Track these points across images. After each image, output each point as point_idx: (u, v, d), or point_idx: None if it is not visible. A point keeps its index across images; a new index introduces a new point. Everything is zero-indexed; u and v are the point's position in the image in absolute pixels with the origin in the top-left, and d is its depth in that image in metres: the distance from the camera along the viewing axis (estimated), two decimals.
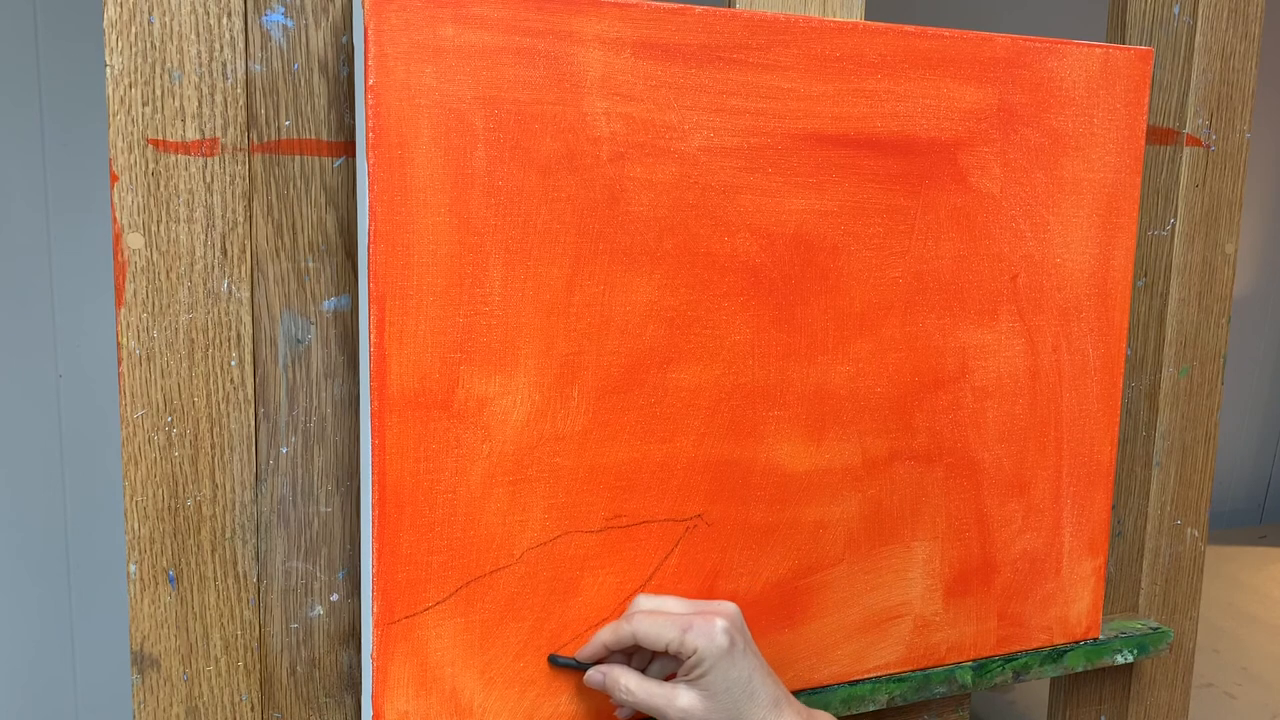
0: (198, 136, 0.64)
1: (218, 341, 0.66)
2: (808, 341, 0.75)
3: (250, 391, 0.67)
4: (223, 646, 0.68)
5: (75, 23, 1.27)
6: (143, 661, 0.67)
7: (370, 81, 0.62)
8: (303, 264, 0.68)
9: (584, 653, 0.71)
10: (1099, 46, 0.81)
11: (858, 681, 0.82)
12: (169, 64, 0.63)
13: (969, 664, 0.85)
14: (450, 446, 0.66)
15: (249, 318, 0.66)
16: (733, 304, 0.72)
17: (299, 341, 0.68)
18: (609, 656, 0.70)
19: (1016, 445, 0.84)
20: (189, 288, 0.65)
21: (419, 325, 0.64)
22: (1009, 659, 0.87)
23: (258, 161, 0.66)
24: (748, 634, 0.68)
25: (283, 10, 0.65)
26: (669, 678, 0.69)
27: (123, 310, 0.63)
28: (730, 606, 0.68)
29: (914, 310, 0.78)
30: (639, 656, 0.71)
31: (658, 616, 0.68)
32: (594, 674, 0.70)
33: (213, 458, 0.67)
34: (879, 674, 0.83)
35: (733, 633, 0.66)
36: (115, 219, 0.63)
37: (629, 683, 0.67)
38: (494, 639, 0.69)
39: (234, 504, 0.68)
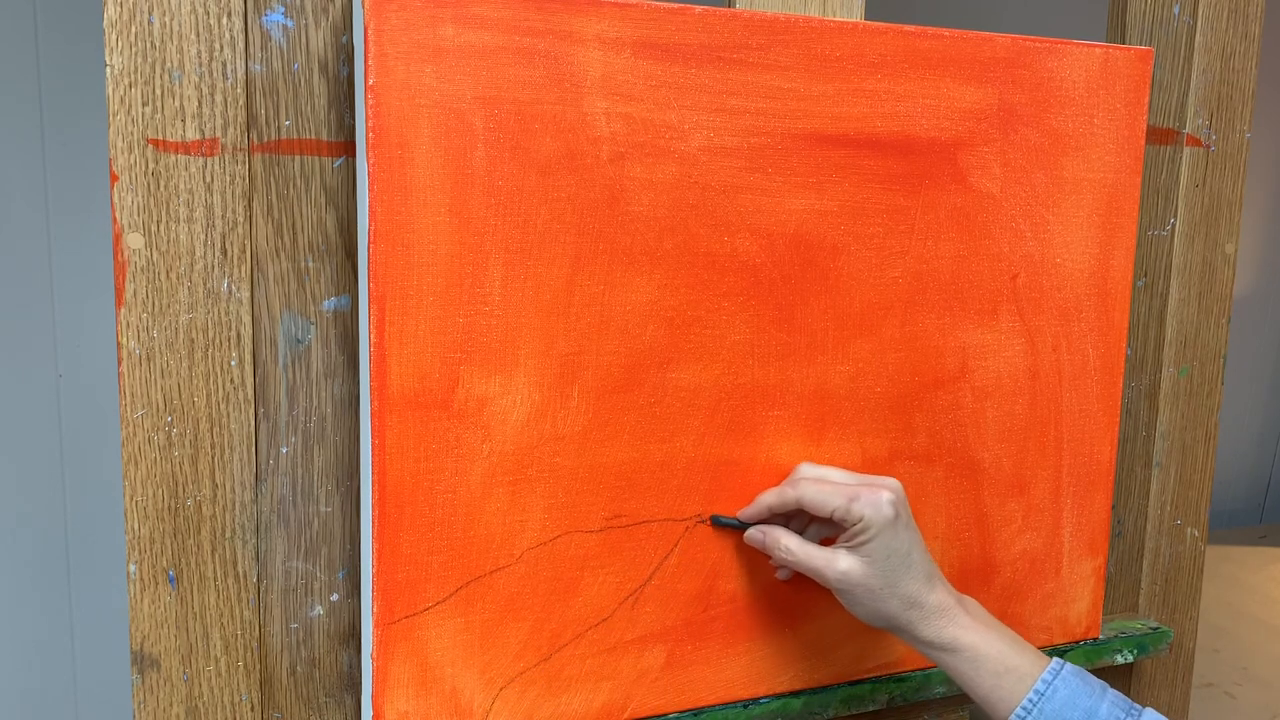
0: (198, 136, 0.64)
1: (218, 341, 0.66)
2: (808, 341, 0.75)
3: (250, 391, 0.67)
4: (223, 646, 0.68)
5: (75, 23, 1.27)
6: (143, 661, 0.67)
7: (370, 81, 0.62)
8: (303, 264, 0.68)
9: (746, 513, 0.74)
10: (1099, 46, 0.81)
11: (858, 681, 0.82)
12: (169, 64, 0.63)
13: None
14: (450, 446, 0.66)
15: (249, 318, 0.66)
16: (733, 304, 0.72)
17: (299, 341, 0.68)
18: (769, 518, 0.73)
19: (1016, 445, 0.84)
20: (189, 288, 0.65)
21: (419, 325, 0.64)
22: None
23: (258, 161, 0.66)
24: (909, 510, 0.70)
25: (283, 10, 0.65)
26: (824, 543, 0.71)
27: (123, 310, 0.63)
28: (894, 482, 0.70)
29: (914, 310, 0.78)
30: (796, 521, 0.74)
31: (824, 484, 0.71)
32: (754, 533, 0.73)
33: (213, 458, 0.67)
34: (879, 674, 0.83)
35: (898, 505, 0.69)
36: (115, 219, 0.63)
37: (789, 543, 0.71)
38: (494, 639, 0.69)
39: (234, 504, 0.68)
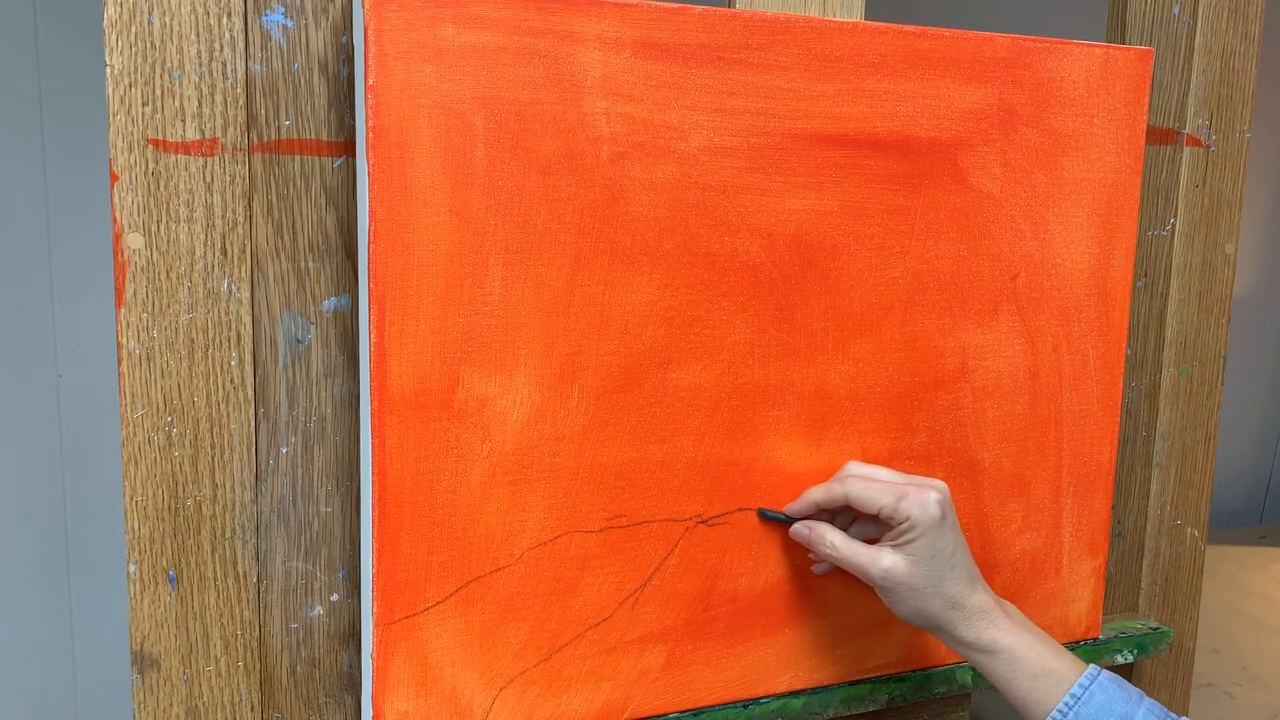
0: (198, 136, 0.64)
1: (218, 341, 0.66)
2: (808, 341, 0.75)
3: (250, 391, 0.67)
4: (223, 646, 0.68)
5: (75, 23, 1.27)
6: (143, 661, 0.67)
7: (370, 81, 0.62)
8: (303, 264, 0.68)
9: (793, 508, 0.75)
10: (1099, 46, 0.81)
11: (858, 681, 0.82)
12: (169, 64, 0.63)
13: (969, 664, 0.85)
14: (450, 446, 0.66)
15: (249, 318, 0.66)
16: (733, 304, 0.72)
17: (299, 341, 0.68)
18: (815, 514, 0.74)
19: (1016, 445, 0.84)
20: (189, 288, 0.65)
21: (419, 325, 0.64)
22: None
23: (258, 161, 0.66)
24: (955, 511, 0.71)
25: (283, 10, 0.65)
26: (867, 541, 0.72)
27: (123, 310, 0.63)
28: (941, 483, 0.71)
29: (914, 310, 0.78)
30: (840, 519, 0.74)
31: (872, 482, 0.71)
32: (800, 528, 0.74)
33: (213, 458, 0.67)
34: (879, 674, 0.83)
35: (944, 506, 0.69)
36: (115, 219, 0.63)
37: (834, 539, 0.71)
38: (494, 639, 0.69)
39: (234, 504, 0.68)
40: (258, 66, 0.65)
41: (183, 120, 0.63)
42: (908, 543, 0.69)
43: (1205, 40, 0.92)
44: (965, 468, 0.82)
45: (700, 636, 0.75)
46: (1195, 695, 1.28)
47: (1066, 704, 0.66)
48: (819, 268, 0.75)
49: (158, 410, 0.65)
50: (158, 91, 0.63)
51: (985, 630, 0.69)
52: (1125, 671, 0.99)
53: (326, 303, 0.69)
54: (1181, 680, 1.03)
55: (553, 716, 0.72)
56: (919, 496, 0.68)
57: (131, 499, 0.65)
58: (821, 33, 0.72)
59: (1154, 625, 0.96)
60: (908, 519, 0.68)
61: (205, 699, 0.68)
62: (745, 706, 0.77)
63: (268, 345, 0.68)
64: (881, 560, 0.69)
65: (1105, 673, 0.68)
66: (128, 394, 0.64)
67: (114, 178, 0.62)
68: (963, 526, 0.82)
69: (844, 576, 0.79)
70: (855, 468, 0.74)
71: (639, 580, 0.73)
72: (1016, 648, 0.68)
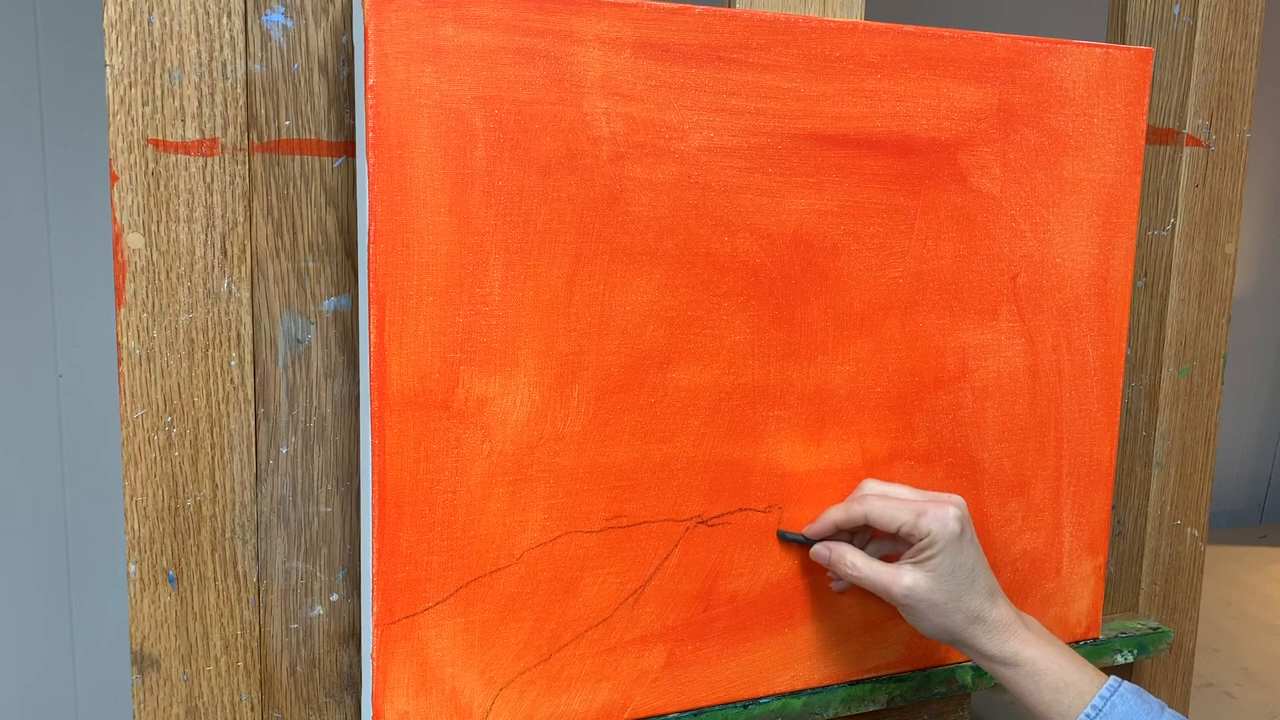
0: (198, 136, 0.64)
1: (218, 341, 0.66)
2: (808, 341, 0.75)
3: (250, 391, 0.67)
4: (223, 646, 0.68)
5: (75, 23, 1.27)
6: (143, 661, 0.67)
7: (370, 81, 0.62)
8: (303, 264, 0.68)
9: (812, 530, 0.75)
10: (1099, 46, 0.81)
11: (858, 681, 0.82)
12: (169, 64, 0.63)
13: (969, 664, 0.85)
14: (450, 446, 0.66)
15: (249, 318, 0.66)
16: (733, 304, 0.72)
17: (299, 341, 0.68)
18: (834, 535, 0.74)
19: (1016, 445, 0.84)
20: (189, 288, 0.65)
21: (419, 325, 0.64)
22: None
23: (258, 161, 0.66)
24: (973, 526, 0.71)
25: (283, 10, 0.65)
26: (885, 559, 0.72)
27: (123, 310, 0.63)
28: (958, 498, 0.71)
29: (914, 310, 0.78)
30: (858, 538, 0.75)
31: (890, 500, 0.71)
32: (820, 549, 0.74)
33: (213, 458, 0.67)
34: (879, 674, 0.83)
35: (963, 521, 0.70)
36: (115, 219, 0.63)
37: (855, 559, 0.71)
38: (494, 639, 0.69)
39: (234, 504, 0.68)
40: (258, 66, 0.65)
41: (183, 120, 0.63)
42: (928, 559, 0.69)
43: (1205, 40, 0.92)
44: (965, 468, 0.82)
45: (700, 636, 0.75)
46: (1195, 695, 1.28)
47: (1087, 715, 0.66)
48: (819, 268, 0.75)
49: (158, 410, 0.65)
50: (158, 91, 0.63)
51: (1007, 643, 0.69)
52: (1125, 671, 0.99)
53: (326, 303, 0.69)
54: (1181, 680, 1.03)
55: (553, 716, 0.72)
56: (938, 512, 0.69)
57: (131, 499, 0.65)
58: (821, 33, 0.72)
59: (1154, 625, 0.96)
60: (928, 535, 0.69)
61: (205, 699, 0.68)
62: (745, 706, 0.77)
63: (268, 345, 0.68)
64: (903, 578, 0.69)
65: (1126, 684, 0.68)
66: (128, 394, 0.64)
67: (114, 178, 0.62)
68: None
69: None
70: (873, 486, 0.74)
71: (639, 580, 0.73)
72: (1038, 660, 0.68)
